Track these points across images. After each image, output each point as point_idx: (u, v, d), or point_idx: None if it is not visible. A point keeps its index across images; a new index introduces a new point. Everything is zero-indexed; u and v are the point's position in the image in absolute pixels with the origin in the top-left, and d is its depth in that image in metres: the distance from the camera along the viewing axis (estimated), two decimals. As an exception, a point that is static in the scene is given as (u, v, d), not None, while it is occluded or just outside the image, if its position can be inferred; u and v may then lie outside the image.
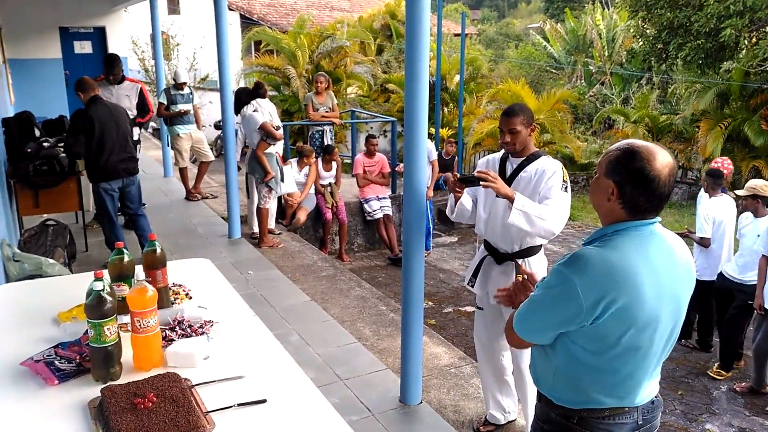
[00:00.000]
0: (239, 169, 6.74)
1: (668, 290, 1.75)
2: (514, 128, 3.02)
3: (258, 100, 6.35)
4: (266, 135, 6.24)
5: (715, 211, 5.62)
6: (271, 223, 6.81)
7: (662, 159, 1.71)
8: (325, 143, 8.18)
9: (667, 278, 1.75)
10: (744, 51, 13.13)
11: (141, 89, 6.92)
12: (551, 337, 1.82)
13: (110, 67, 6.64)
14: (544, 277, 1.87)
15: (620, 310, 1.68)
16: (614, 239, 1.75)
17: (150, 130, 15.42)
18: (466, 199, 3.24)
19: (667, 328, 1.78)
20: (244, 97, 6.55)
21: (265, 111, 6.29)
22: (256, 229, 6.79)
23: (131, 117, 6.51)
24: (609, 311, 1.68)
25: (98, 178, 5.26)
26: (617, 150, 1.77)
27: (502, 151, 3.20)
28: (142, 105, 6.89)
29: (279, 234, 6.92)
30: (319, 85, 8.24)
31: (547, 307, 1.78)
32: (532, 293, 1.85)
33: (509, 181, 3.08)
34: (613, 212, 1.78)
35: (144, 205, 7.67)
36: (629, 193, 1.73)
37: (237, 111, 6.60)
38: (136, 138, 6.73)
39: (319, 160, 7.73)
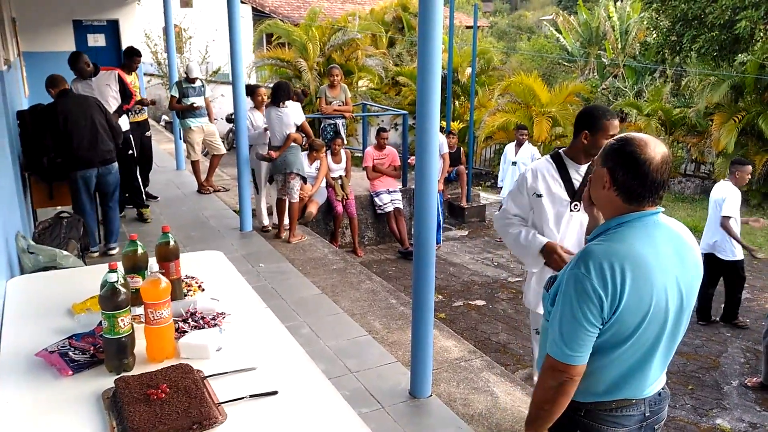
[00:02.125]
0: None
1: (676, 279, 1.75)
2: None
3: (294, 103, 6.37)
4: (304, 132, 6.33)
5: (717, 192, 6.21)
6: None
7: (655, 147, 1.73)
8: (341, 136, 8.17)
9: (675, 267, 1.75)
10: (759, 43, 12.95)
11: (118, 75, 6.74)
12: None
13: (72, 64, 6.49)
14: (556, 278, 1.86)
15: (631, 292, 1.67)
16: (619, 232, 1.76)
17: (163, 123, 15.48)
18: (519, 222, 3.12)
19: (675, 319, 1.78)
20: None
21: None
22: (265, 222, 6.81)
23: (117, 105, 6.49)
24: (624, 294, 1.67)
25: (73, 167, 5.39)
26: (612, 141, 1.81)
27: (544, 157, 3.11)
28: (123, 91, 6.73)
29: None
30: (334, 78, 8.19)
31: (576, 316, 1.71)
32: (550, 315, 1.82)
33: (581, 189, 2.97)
34: (611, 200, 1.79)
35: (157, 198, 7.77)
36: (621, 177, 1.74)
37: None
38: (126, 127, 6.68)
39: (327, 152, 7.73)
